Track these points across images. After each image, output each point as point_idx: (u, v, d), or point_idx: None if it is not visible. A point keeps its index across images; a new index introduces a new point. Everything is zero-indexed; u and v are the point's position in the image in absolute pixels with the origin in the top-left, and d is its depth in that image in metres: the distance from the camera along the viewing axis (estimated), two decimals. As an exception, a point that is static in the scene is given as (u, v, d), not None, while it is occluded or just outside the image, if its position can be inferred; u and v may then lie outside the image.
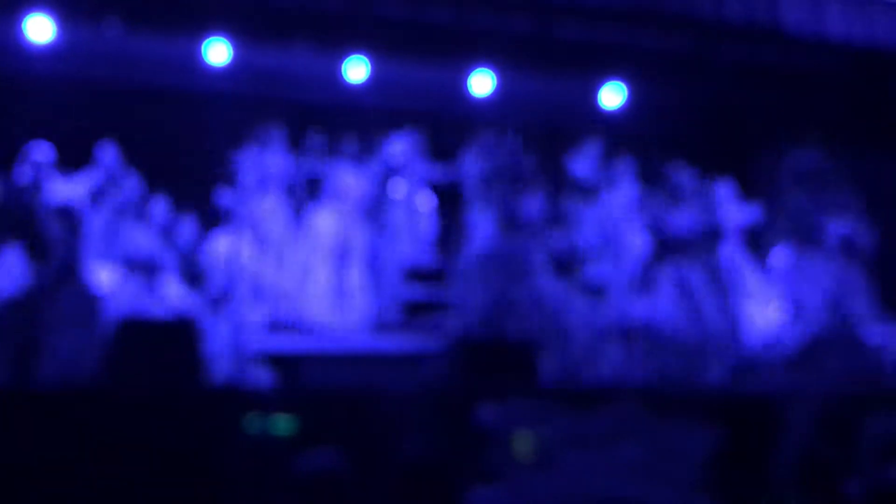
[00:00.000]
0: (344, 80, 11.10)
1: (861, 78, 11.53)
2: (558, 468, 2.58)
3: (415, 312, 9.96)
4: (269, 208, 10.07)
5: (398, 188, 10.76)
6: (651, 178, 10.29)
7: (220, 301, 7.83)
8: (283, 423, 5.04)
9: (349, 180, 9.13)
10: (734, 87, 11.80)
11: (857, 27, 10.44)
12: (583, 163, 9.85)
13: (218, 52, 10.03)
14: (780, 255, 8.57)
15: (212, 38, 9.94)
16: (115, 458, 4.87)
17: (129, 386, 5.45)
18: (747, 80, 11.76)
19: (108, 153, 9.27)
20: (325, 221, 9.07)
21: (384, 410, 5.94)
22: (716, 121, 12.49)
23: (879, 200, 12.39)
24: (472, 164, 9.45)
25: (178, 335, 6.24)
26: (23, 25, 9.49)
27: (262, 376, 7.99)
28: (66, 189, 8.12)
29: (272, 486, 4.29)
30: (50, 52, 9.93)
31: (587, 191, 9.53)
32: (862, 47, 10.62)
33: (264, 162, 10.09)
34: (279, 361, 8.13)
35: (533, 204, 8.73)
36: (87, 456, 4.84)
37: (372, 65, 11.03)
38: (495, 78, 11.52)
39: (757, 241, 10.05)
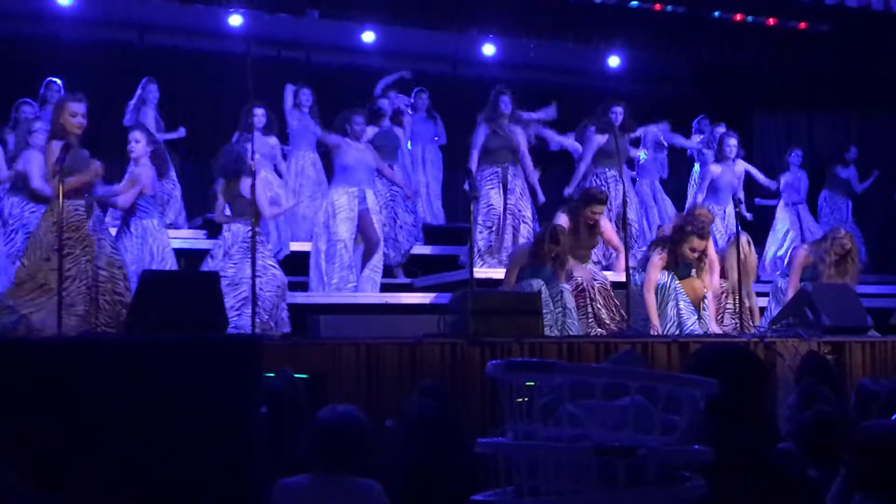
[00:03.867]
0: (355, 45, 11.05)
1: (855, 37, 11.41)
2: (561, 417, 2.55)
3: (426, 267, 9.96)
4: (292, 168, 10.06)
5: (409, 147, 10.72)
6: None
7: (243, 251, 7.76)
8: (295, 376, 5.02)
9: (360, 151, 9.04)
10: (731, 47, 11.70)
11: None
12: None
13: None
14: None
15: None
16: (135, 407, 4.84)
17: (151, 336, 5.43)
18: (744, 41, 11.65)
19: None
20: (344, 185, 8.96)
21: (396, 361, 5.94)
22: (715, 80, 12.41)
23: (872, 155, 12.37)
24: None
25: (201, 286, 6.23)
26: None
27: (280, 326, 7.98)
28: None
29: (287, 435, 4.28)
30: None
31: None
32: (855, 8, 10.51)
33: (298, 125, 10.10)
34: (295, 312, 8.12)
35: None
36: (108, 405, 4.82)
37: (380, 30, 10.98)
38: (499, 42, 11.45)
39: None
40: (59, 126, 6.84)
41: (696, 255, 7.74)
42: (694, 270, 7.86)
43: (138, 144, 7.96)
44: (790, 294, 8.03)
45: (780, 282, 8.56)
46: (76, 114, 6.81)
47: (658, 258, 7.73)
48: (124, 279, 6.79)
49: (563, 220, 8.14)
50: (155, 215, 8.00)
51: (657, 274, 7.70)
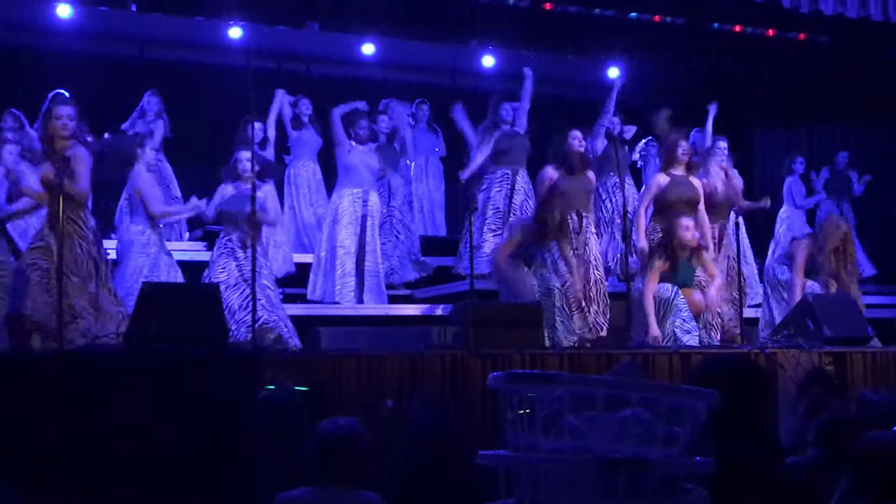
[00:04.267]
0: (355, 57, 11.05)
1: (855, 48, 11.42)
2: (563, 429, 2.54)
3: (427, 278, 9.95)
4: (293, 178, 10.06)
5: (410, 160, 10.71)
6: None
7: (225, 255, 7.83)
8: (296, 388, 5.01)
9: (363, 153, 9.03)
10: (731, 59, 11.71)
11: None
12: None
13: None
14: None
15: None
16: (135, 418, 4.84)
17: (153, 348, 5.43)
18: (743, 52, 11.67)
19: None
20: (349, 187, 8.94)
21: (396, 373, 5.92)
22: (714, 92, 12.41)
23: (872, 165, 12.39)
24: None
25: (201, 298, 6.22)
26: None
27: (281, 339, 7.97)
28: None
29: (287, 448, 4.26)
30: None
31: None
32: (854, 19, 10.52)
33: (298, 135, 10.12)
34: (296, 324, 8.11)
35: None
36: (108, 416, 4.82)
37: (380, 42, 10.98)
38: (499, 53, 11.46)
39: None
40: (48, 133, 6.83)
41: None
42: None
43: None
44: (797, 292, 8.02)
45: (777, 270, 8.53)
46: (60, 116, 6.76)
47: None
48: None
49: (550, 171, 8.18)
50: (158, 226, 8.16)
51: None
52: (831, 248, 8.18)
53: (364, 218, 8.86)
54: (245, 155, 7.87)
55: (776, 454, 2.89)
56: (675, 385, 2.82)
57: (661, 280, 7.69)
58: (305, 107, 10.09)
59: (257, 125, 9.20)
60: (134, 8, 10.09)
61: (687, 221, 7.70)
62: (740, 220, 8.14)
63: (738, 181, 9.36)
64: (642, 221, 8.18)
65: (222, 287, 7.19)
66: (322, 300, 8.78)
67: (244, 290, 7.34)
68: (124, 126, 9.93)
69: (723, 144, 9.53)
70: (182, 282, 8.01)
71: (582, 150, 8.33)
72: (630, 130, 10.22)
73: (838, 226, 8.27)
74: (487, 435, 3.56)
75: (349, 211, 8.81)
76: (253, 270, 6.93)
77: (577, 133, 8.38)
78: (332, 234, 8.85)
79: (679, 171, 8.19)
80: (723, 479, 2.58)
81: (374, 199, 8.97)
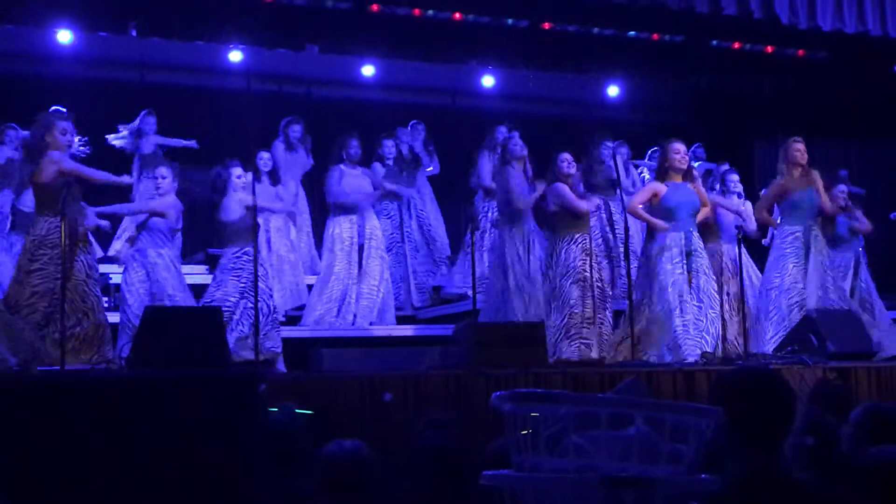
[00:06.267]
0: (355, 79, 11.09)
1: (853, 63, 11.44)
2: (567, 448, 2.53)
3: (430, 298, 9.94)
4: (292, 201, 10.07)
5: (412, 179, 10.72)
6: None
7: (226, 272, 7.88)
8: (298, 411, 5.00)
9: (356, 177, 9.07)
10: (730, 76, 11.73)
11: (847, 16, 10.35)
12: None
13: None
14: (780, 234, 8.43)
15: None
16: (138, 443, 4.82)
17: (154, 371, 5.42)
18: (742, 69, 11.69)
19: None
20: (344, 214, 8.98)
21: (396, 393, 5.91)
22: (714, 109, 12.44)
23: (872, 181, 12.38)
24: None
25: (203, 321, 6.22)
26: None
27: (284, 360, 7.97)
28: None
29: (291, 471, 4.25)
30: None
31: None
32: (852, 34, 10.54)
33: (286, 156, 10.14)
34: (300, 346, 8.12)
35: None
36: (111, 441, 4.80)
37: (380, 64, 11.03)
38: (499, 73, 11.49)
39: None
40: (43, 145, 6.81)
41: (679, 155, 7.83)
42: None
43: (165, 180, 8.08)
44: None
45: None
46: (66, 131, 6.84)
47: (652, 185, 7.91)
48: (93, 308, 6.68)
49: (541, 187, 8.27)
50: (174, 249, 8.22)
51: (646, 195, 7.88)
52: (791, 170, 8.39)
53: (360, 246, 8.91)
54: (235, 171, 8.05)
55: (788, 469, 2.88)
56: (680, 403, 2.81)
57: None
58: (294, 131, 10.09)
59: (266, 155, 9.30)
60: (134, 33, 10.12)
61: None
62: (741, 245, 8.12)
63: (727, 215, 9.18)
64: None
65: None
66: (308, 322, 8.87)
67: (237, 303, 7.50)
68: (110, 137, 10.01)
69: (735, 177, 9.42)
70: (187, 304, 8.03)
71: (567, 173, 8.20)
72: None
73: (797, 147, 8.40)
74: (491, 455, 3.55)
75: (340, 238, 8.87)
76: (255, 273, 7.00)
77: (566, 155, 8.30)
78: (324, 260, 8.97)
79: (676, 180, 8.04)
80: (737, 495, 2.57)
81: (370, 223, 9.00)
